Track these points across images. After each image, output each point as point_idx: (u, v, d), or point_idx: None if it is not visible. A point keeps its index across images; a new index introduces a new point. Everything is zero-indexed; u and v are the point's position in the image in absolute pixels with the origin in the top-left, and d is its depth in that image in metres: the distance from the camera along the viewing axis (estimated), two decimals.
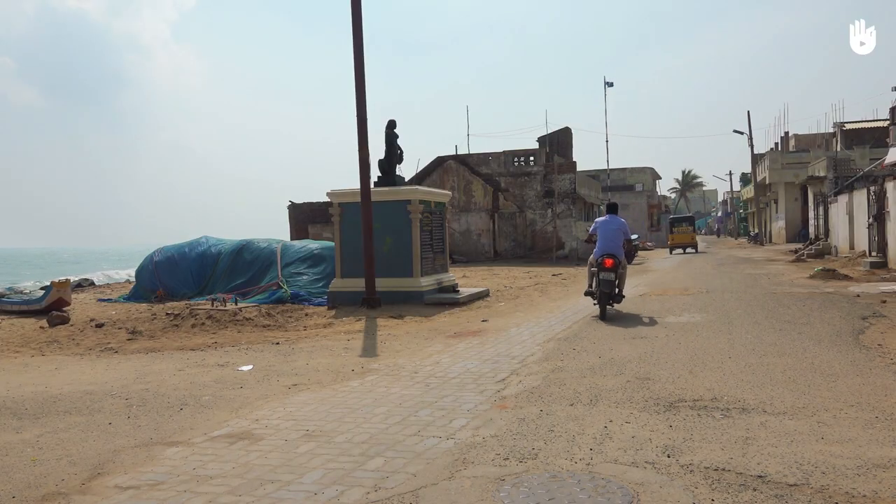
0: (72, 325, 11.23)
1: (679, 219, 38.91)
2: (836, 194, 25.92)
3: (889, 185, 18.13)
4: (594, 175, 43.21)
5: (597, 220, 11.21)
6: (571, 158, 34.54)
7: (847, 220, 23.10)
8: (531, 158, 31.44)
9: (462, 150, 36.73)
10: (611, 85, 41.36)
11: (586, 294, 10.57)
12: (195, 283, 15.68)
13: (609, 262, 10.10)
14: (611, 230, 10.58)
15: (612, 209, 11.32)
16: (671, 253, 34.61)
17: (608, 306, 10.18)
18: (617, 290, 10.30)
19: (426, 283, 12.99)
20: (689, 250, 35.07)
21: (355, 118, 12.43)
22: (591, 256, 10.70)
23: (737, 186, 73.81)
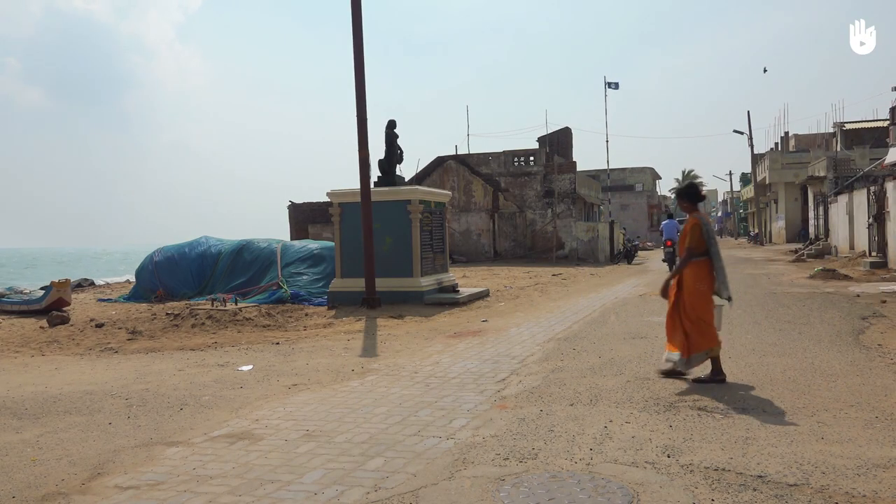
0: (72, 325, 11.23)
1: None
2: (836, 194, 25.91)
3: (889, 185, 18.12)
4: (594, 175, 43.14)
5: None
6: (571, 158, 34.49)
7: (847, 221, 23.10)
8: (531, 158, 31.40)
9: (462, 150, 36.71)
10: (615, 86, 40.97)
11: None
12: (195, 283, 15.67)
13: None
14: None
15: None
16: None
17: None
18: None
19: (426, 283, 12.99)
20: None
21: (355, 118, 12.43)
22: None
23: (737, 186, 73.81)
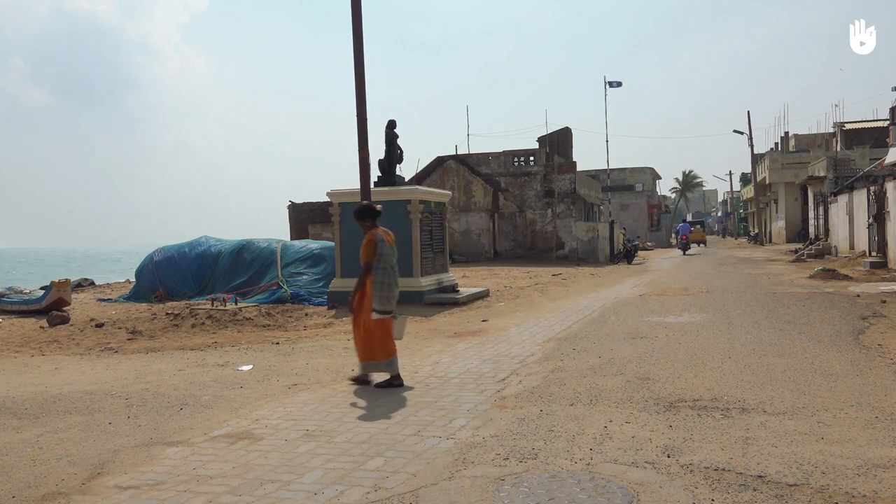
0: (72, 325, 11.23)
1: (693, 222, 53.16)
2: (836, 194, 25.90)
3: (889, 185, 18.12)
4: (594, 175, 43.07)
5: (680, 224, 40.82)
6: (571, 158, 34.48)
7: (847, 220, 23.10)
8: (531, 158, 31.38)
9: (462, 150, 36.66)
10: (617, 85, 40.65)
11: (678, 248, 37.57)
12: (195, 283, 15.65)
13: (684, 237, 34.44)
14: (684, 227, 35.80)
15: (685, 221, 44.20)
16: (685, 252, 39.48)
17: (687, 251, 34.12)
18: (689, 246, 35.01)
19: (426, 283, 12.99)
20: (700, 245, 47.50)
21: (355, 118, 12.42)
22: (677, 237, 39.59)
23: (737, 186, 73.79)
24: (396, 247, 6.56)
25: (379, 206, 6.58)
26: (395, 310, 6.24)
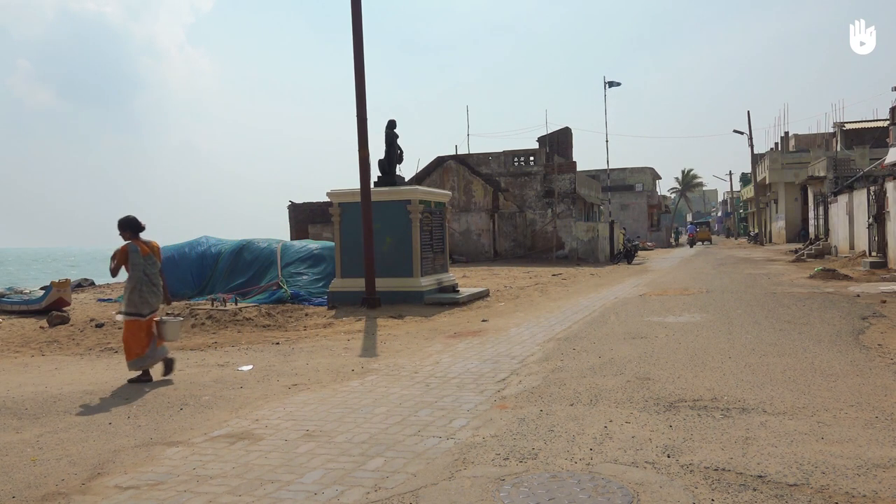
0: (72, 326, 11.23)
1: (699, 222, 61.69)
2: (836, 194, 25.90)
3: (889, 185, 18.12)
4: (594, 175, 43.08)
5: (689, 225, 60.55)
6: (571, 158, 34.48)
7: (847, 220, 23.10)
8: (531, 158, 31.39)
9: (462, 150, 36.66)
10: (616, 84, 40.51)
11: (686, 243, 54.56)
12: (195, 283, 15.65)
13: (691, 235, 53.31)
14: (691, 227, 56.50)
15: (691, 223, 60.85)
16: (691, 246, 50.03)
17: (693, 245, 50.22)
18: (695, 242, 52.30)
19: (426, 283, 12.99)
20: (706, 243, 54.78)
21: (355, 118, 12.43)
22: (685, 236, 61.80)
23: (737, 186, 73.82)
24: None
25: (143, 224, 7.02)
26: (147, 314, 6.85)
